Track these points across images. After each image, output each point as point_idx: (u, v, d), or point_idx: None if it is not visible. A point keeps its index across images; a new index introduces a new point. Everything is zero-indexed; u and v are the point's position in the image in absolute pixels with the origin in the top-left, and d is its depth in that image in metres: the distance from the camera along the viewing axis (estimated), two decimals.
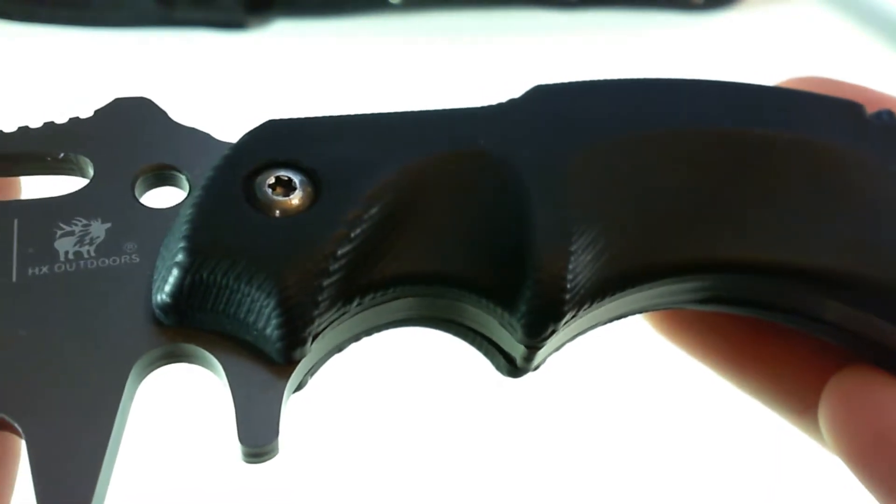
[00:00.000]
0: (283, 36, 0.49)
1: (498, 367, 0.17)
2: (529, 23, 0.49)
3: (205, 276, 0.14)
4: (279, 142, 0.15)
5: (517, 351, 0.16)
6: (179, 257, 0.14)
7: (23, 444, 0.15)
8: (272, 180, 0.15)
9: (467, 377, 0.30)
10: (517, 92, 0.17)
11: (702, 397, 0.34)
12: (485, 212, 0.15)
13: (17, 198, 0.16)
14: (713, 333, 0.20)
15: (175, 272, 0.14)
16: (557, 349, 0.16)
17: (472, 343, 0.17)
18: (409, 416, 0.33)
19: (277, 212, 0.15)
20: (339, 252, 0.14)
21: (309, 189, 0.15)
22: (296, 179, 0.15)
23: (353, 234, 0.15)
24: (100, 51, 0.48)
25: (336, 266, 0.14)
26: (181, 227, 0.15)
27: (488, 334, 0.16)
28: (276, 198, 0.15)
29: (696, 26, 0.49)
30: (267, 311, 0.14)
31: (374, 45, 0.47)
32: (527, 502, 0.32)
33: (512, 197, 0.15)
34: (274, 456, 0.15)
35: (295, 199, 0.15)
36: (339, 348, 0.16)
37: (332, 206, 0.15)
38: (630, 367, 0.35)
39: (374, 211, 0.15)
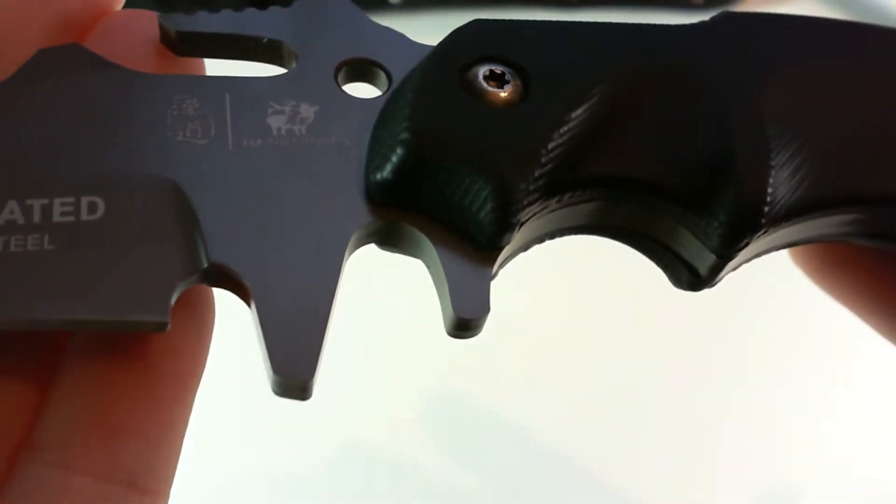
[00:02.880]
0: None
1: (678, 281, 0.17)
2: None
3: (427, 155, 0.15)
4: (491, 38, 0.16)
5: (705, 262, 0.16)
6: (404, 136, 0.15)
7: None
8: (486, 72, 0.16)
9: None
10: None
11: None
12: (684, 123, 0.16)
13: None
14: (866, 273, 0.20)
15: (399, 151, 0.15)
16: (735, 268, 0.17)
17: (651, 255, 0.17)
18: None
19: (489, 103, 0.16)
20: (550, 146, 0.15)
21: (518, 84, 0.16)
22: (508, 74, 0.16)
23: (562, 131, 0.15)
24: None
25: (546, 159, 0.15)
26: (404, 110, 0.15)
27: (674, 246, 0.17)
28: (489, 89, 0.16)
29: None
30: (483, 194, 0.15)
31: None
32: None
33: (712, 110, 0.16)
34: (478, 333, 0.16)
35: (505, 92, 0.16)
36: (526, 247, 0.17)
37: (543, 103, 0.16)
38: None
39: (581, 111, 0.16)
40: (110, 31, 0.17)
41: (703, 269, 0.17)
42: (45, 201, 0.15)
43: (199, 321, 0.17)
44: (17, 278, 0.14)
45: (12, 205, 0.15)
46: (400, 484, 0.33)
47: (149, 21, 0.17)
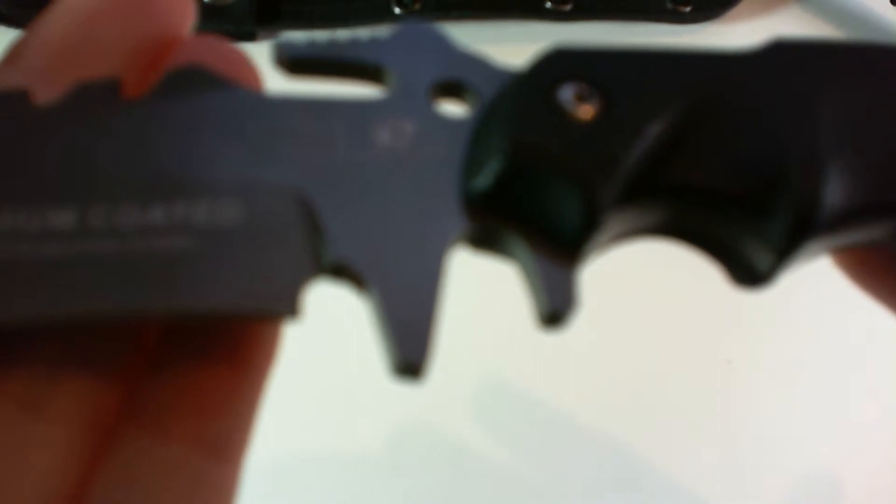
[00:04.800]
0: None
1: (738, 280, 0.19)
2: (524, 33, 0.51)
3: (522, 164, 0.17)
4: (575, 60, 0.18)
5: (765, 263, 0.18)
6: (502, 147, 0.17)
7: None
8: (572, 91, 0.18)
9: None
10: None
11: None
12: (747, 138, 0.18)
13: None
14: None
15: (497, 160, 0.17)
16: (792, 268, 0.19)
17: (714, 256, 0.19)
18: None
19: (575, 119, 0.17)
20: (630, 158, 0.17)
21: (601, 102, 0.18)
22: (591, 92, 0.18)
23: (640, 144, 0.17)
24: None
25: (627, 169, 0.17)
26: (501, 125, 0.17)
27: (736, 248, 0.19)
28: (575, 106, 0.18)
29: (684, 38, 0.51)
30: (572, 199, 0.17)
31: None
32: None
33: (770, 126, 0.18)
34: (567, 326, 0.17)
35: (589, 109, 0.18)
36: (602, 249, 0.19)
37: (624, 119, 0.18)
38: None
39: (657, 127, 0.18)
40: (187, 55, 0.19)
41: (762, 270, 0.19)
42: (186, 204, 0.17)
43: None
44: (163, 275, 0.16)
45: (156, 208, 0.16)
46: (456, 465, 0.35)
47: (217, 46, 0.19)
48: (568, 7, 0.51)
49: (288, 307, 0.16)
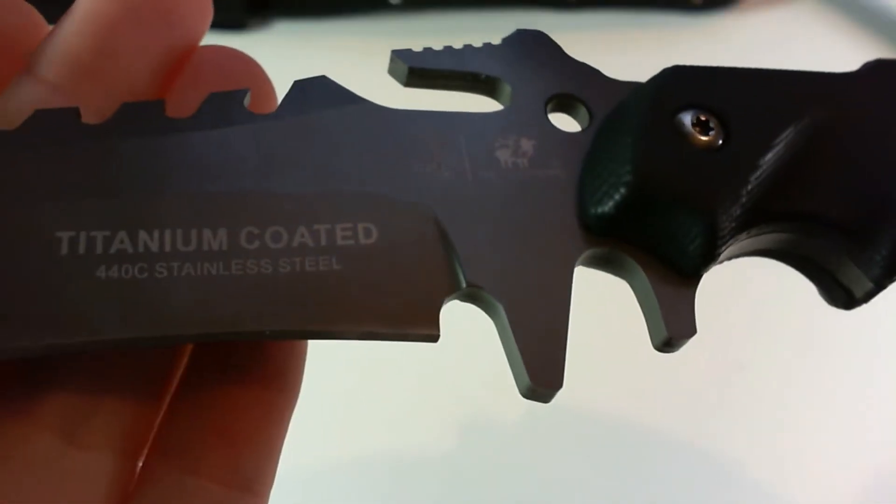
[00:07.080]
0: (283, 36, 0.49)
1: (834, 300, 0.20)
2: (528, 24, 0.49)
3: (648, 195, 0.17)
4: (695, 85, 0.19)
5: (863, 288, 0.19)
6: (627, 178, 0.17)
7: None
8: (693, 119, 0.18)
9: None
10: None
11: None
12: (854, 164, 0.18)
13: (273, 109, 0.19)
14: None
15: (623, 190, 0.17)
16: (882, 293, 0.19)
17: (812, 277, 0.20)
18: None
19: (695, 146, 0.18)
20: (750, 187, 0.18)
21: (720, 129, 0.18)
22: (711, 120, 0.18)
23: (759, 173, 0.18)
24: None
25: (746, 199, 0.17)
26: (625, 153, 0.18)
27: (835, 271, 0.19)
28: (695, 134, 0.18)
29: (695, 27, 0.51)
30: (695, 229, 0.17)
31: (373, 45, 0.47)
32: None
33: (875, 152, 0.19)
34: (678, 350, 0.18)
35: (708, 136, 0.18)
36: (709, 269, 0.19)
37: (743, 148, 0.18)
38: None
39: (773, 156, 0.18)
40: (201, 65, 0.19)
41: (859, 293, 0.19)
42: (329, 226, 0.17)
43: (299, 344, 0.19)
44: (314, 295, 0.16)
45: (302, 230, 0.17)
46: (452, 483, 0.34)
47: (233, 55, 0.19)
48: None
49: (430, 329, 0.16)
